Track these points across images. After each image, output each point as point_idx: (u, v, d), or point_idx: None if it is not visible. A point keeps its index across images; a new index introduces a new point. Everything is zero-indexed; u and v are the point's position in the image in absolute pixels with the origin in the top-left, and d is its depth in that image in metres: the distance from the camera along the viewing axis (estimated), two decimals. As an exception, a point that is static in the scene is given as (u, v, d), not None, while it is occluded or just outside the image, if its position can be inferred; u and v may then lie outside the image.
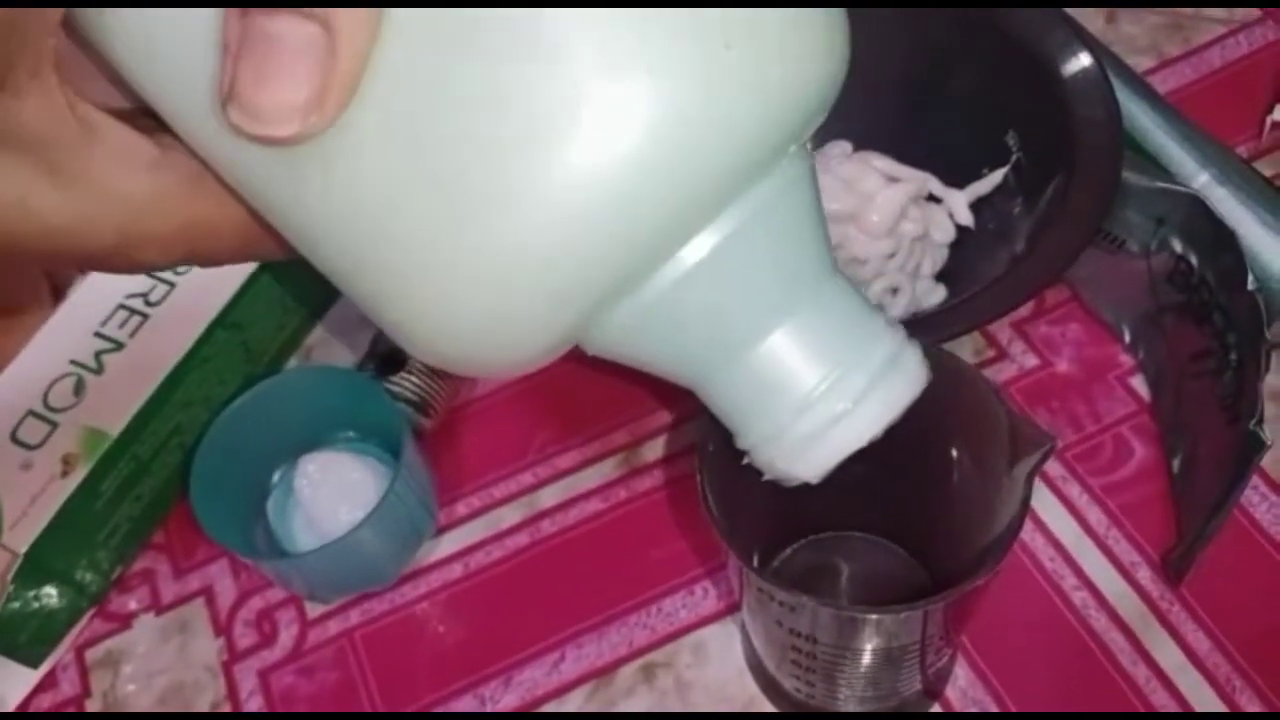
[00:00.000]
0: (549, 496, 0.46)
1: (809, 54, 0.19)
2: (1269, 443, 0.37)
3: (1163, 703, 0.39)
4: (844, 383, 0.21)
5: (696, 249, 0.19)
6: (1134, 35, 0.56)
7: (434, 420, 0.47)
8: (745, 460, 0.23)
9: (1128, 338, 0.46)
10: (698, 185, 0.18)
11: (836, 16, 0.19)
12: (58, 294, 0.27)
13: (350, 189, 0.18)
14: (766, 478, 0.23)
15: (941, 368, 0.33)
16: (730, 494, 0.35)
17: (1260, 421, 0.37)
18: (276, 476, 0.46)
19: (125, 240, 0.18)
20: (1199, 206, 0.42)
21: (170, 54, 0.18)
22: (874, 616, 0.31)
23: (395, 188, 0.17)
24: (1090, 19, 0.54)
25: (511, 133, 0.17)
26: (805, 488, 0.23)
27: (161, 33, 0.17)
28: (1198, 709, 0.38)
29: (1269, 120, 0.49)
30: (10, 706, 0.44)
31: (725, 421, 0.23)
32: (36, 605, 0.43)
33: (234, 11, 0.16)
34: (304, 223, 0.19)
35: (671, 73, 0.17)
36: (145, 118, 0.18)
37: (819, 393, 0.21)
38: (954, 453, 0.34)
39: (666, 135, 0.17)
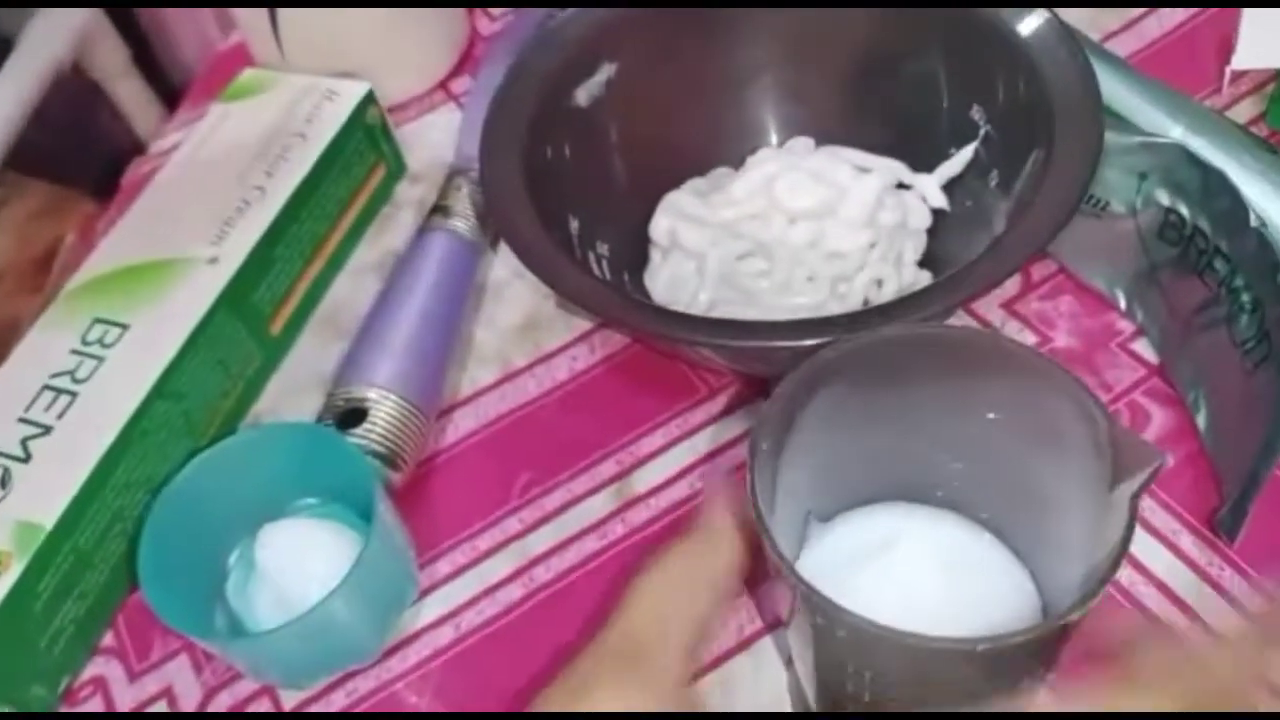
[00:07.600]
0: (539, 541, 0.42)
1: None
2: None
3: (1231, 674, 0.36)
4: None
5: None
6: (1071, 17, 0.55)
7: (404, 473, 0.43)
8: None
9: (1123, 303, 0.44)
10: None
11: None
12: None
13: None
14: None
15: (1036, 373, 0.30)
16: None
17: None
18: (234, 556, 0.42)
19: None
20: (1183, 155, 0.40)
21: None
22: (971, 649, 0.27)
23: None
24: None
25: None
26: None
27: None
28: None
29: (1228, 71, 0.48)
30: None
31: None
32: (-28, 731, 0.38)
33: None
34: None
35: None
36: None
37: None
38: (1046, 469, 0.31)
39: None
